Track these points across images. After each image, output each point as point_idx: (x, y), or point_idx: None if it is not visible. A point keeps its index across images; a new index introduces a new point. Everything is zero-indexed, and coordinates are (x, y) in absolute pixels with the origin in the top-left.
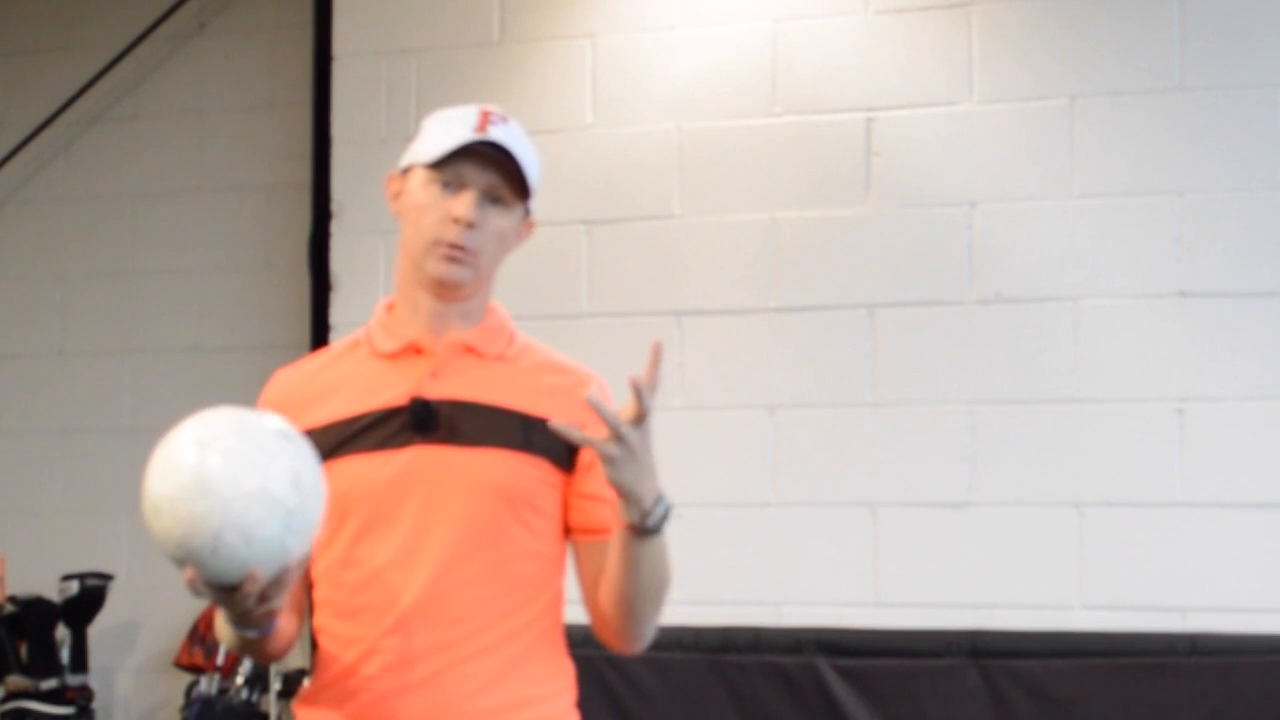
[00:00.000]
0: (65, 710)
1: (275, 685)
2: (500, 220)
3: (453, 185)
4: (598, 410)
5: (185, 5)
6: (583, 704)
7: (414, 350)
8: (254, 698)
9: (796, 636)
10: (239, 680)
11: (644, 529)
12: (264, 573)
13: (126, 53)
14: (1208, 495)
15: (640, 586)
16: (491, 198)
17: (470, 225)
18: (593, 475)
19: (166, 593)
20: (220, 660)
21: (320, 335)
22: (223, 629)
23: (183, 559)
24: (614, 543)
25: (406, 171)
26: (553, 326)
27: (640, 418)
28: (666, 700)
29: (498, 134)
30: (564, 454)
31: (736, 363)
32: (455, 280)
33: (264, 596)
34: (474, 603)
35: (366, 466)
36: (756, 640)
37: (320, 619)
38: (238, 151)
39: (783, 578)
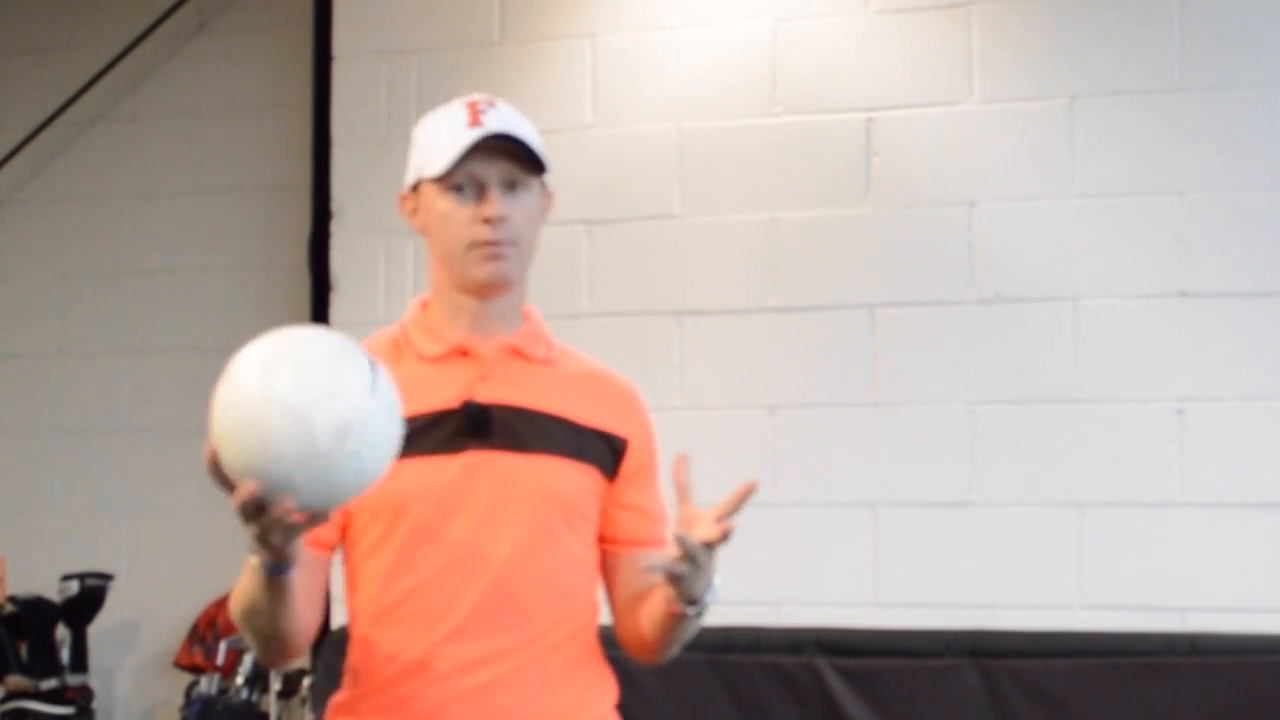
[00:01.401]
0: (65, 710)
1: (275, 685)
2: (525, 203)
3: (468, 187)
4: (685, 547)
5: (185, 5)
6: None
7: (460, 353)
8: (254, 698)
9: (796, 636)
10: (239, 680)
11: (689, 615)
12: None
13: (126, 53)
14: (1208, 495)
15: (675, 641)
16: (509, 185)
17: (501, 220)
18: (634, 485)
19: (166, 593)
20: (220, 660)
21: None
22: (244, 592)
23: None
24: (657, 611)
25: (416, 187)
26: (553, 326)
27: (714, 545)
28: (666, 700)
29: (493, 122)
30: (610, 462)
31: (736, 363)
32: (502, 276)
33: (289, 524)
34: (528, 610)
35: (422, 470)
36: (756, 640)
37: (363, 624)
38: (238, 151)
39: (783, 578)
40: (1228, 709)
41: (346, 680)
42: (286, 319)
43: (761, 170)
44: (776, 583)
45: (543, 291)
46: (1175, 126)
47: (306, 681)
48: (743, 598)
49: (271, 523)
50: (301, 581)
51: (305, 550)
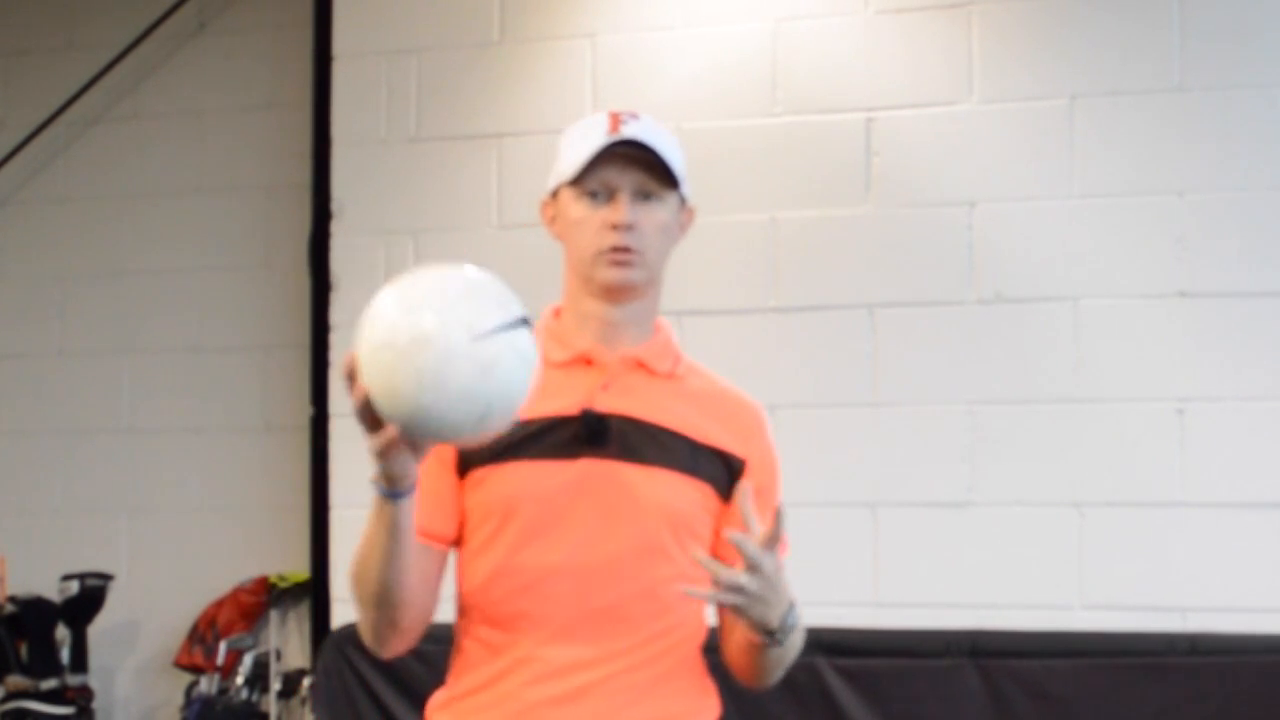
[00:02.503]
0: (65, 710)
1: (275, 685)
2: (657, 214)
3: (601, 194)
4: (711, 571)
5: (185, 5)
6: None
7: (584, 361)
8: (254, 698)
9: None
10: (239, 680)
11: (770, 644)
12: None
13: (126, 53)
14: (1208, 495)
15: (767, 669)
16: (642, 195)
17: (629, 227)
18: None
19: (166, 593)
20: (220, 660)
21: (320, 335)
22: (365, 539)
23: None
24: (743, 638)
25: (556, 195)
26: None
27: (756, 569)
28: None
29: (630, 131)
30: (725, 482)
31: (736, 363)
32: (628, 282)
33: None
34: (629, 620)
35: (535, 473)
36: None
37: (468, 622)
38: (238, 151)
39: None
40: (1228, 709)
41: (448, 678)
42: (286, 319)
43: (761, 170)
44: None
45: (543, 291)
46: (1175, 126)
47: (306, 681)
48: None
49: (368, 428)
50: (415, 565)
51: (418, 539)
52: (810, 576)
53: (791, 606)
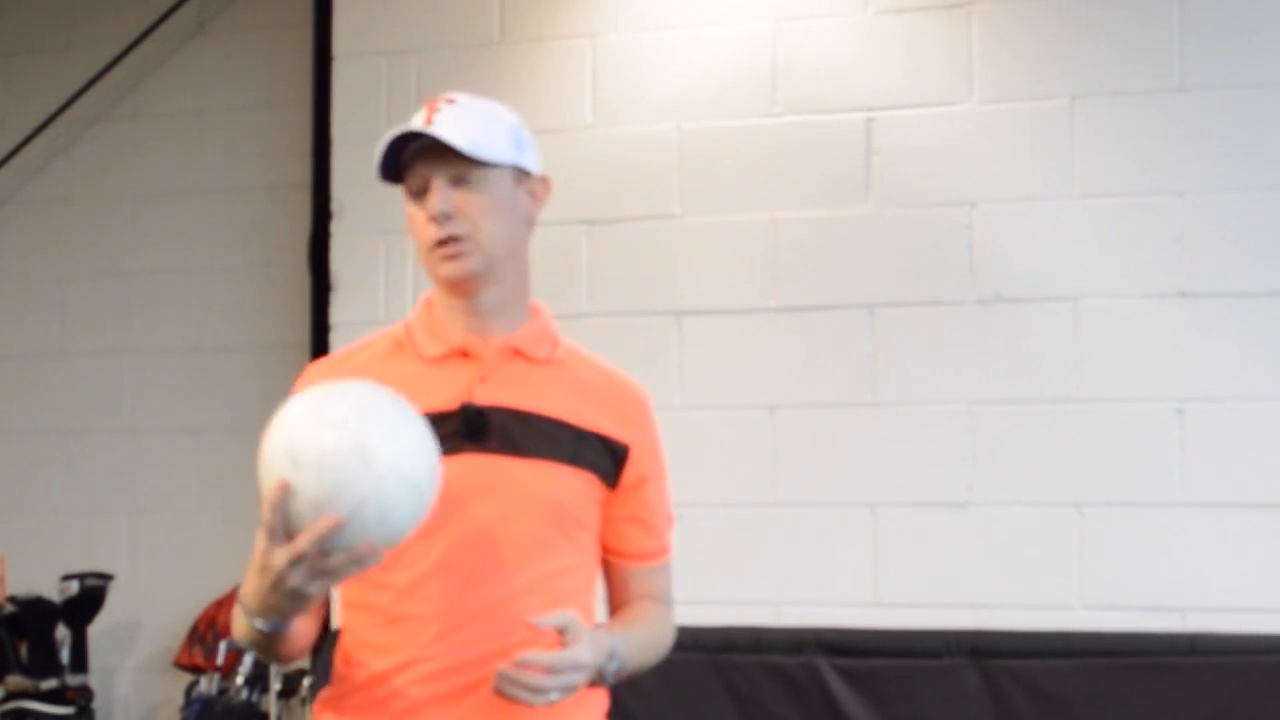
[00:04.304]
0: (65, 710)
1: (275, 685)
2: (477, 196)
3: (419, 190)
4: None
5: (185, 5)
6: None
7: (460, 354)
8: (254, 698)
9: (796, 636)
10: (239, 680)
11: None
12: (381, 550)
13: (126, 53)
14: (1208, 495)
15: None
16: (456, 180)
17: (446, 216)
18: (636, 495)
19: (166, 593)
20: (220, 660)
21: (320, 335)
22: (239, 622)
23: (306, 515)
24: None
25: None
26: None
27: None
28: (666, 700)
29: (440, 121)
30: (610, 470)
31: (736, 363)
32: (463, 273)
33: (328, 572)
34: (518, 616)
35: None
36: (756, 640)
37: (352, 621)
38: (238, 151)
39: (783, 578)
40: (1228, 709)
41: (334, 675)
42: (286, 319)
43: (761, 170)
44: (776, 583)
45: (543, 291)
46: (1176, 126)
47: (306, 682)
48: (743, 598)
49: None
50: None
51: None
52: (810, 576)
53: (611, 657)
